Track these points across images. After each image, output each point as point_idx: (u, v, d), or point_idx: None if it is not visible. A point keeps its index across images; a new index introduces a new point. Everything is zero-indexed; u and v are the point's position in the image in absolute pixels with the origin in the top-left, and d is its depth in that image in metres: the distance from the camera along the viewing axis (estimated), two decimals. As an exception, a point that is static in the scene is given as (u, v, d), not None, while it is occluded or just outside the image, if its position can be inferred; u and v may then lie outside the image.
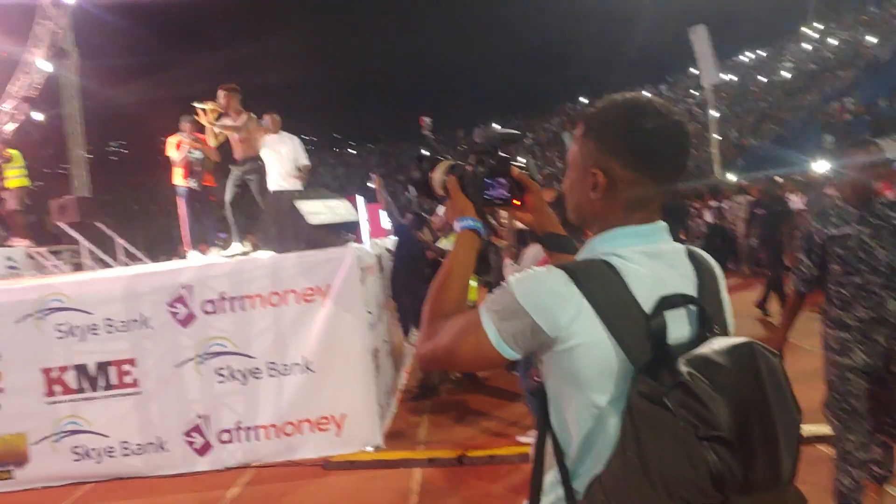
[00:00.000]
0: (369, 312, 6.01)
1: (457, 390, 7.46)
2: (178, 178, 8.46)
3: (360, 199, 6.16)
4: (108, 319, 5.73)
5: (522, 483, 4.70)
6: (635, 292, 1.23)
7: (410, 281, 7.16)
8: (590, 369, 1.21)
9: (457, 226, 1.60)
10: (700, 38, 28.91)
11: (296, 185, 7.76)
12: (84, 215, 13.15)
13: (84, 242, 12.02)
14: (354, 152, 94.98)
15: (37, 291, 5.80)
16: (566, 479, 1.27)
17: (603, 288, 1.23)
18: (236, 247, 7.86)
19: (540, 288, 1.25)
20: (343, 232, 6.48)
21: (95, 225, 13.10)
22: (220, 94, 7.88)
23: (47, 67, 16.56)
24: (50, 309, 5.74)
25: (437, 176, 1.75)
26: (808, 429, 4.12)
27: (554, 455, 1.31)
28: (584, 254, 1.36)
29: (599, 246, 1.34)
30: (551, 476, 1.32)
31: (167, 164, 8.62)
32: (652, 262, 1.28)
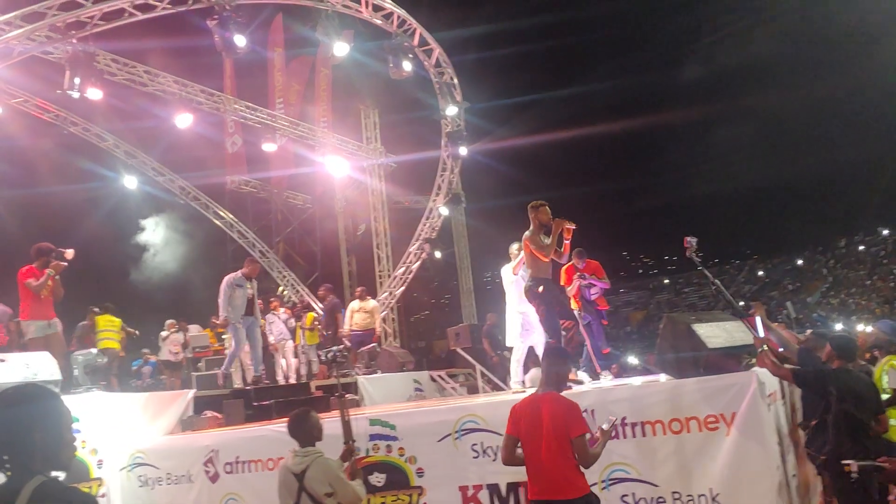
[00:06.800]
0: (778, 444, 5.57)
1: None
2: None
3: (758, 321, 5.87)
4: (518, 441, 6.06)
5: None
6: None
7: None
8: None
9: None
10: None
11: None
12: (475, 340, 14.51)
13: (478, 366, 13.13)
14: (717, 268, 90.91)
15: (455, 413, 6.39)
16: None
17: None
18: None
19: None
20: (743, 356, 6.17)
21: (483, 349, 14.33)
22: None
23: (444, 212, 19.07)
24: (466, 430, 6.26)
25: None
26: None
27: None
28: None
29: None
30: None
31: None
32: None
